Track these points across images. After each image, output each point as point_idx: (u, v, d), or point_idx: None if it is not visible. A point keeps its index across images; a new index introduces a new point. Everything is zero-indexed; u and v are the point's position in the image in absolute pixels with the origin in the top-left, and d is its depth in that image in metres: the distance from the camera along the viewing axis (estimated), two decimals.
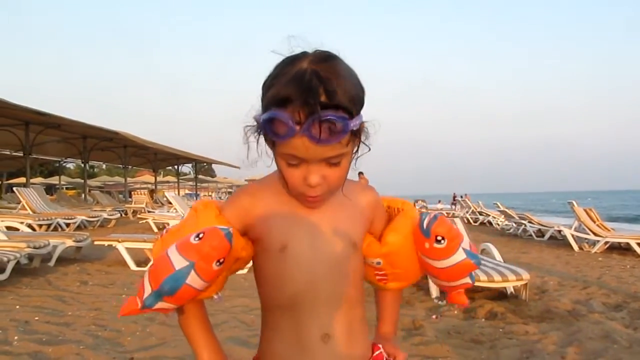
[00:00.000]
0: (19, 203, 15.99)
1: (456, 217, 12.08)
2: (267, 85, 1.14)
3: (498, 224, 19.95)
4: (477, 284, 5.81)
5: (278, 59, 1.17)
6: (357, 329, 1.30)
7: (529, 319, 5.34)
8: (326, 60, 1.13)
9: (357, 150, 1.19)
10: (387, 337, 1.47)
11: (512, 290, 6.33)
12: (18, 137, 20.61)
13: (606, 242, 11.76)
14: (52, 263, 8.11)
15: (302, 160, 1.13)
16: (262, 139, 1.19)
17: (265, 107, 1.12)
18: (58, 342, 4.31)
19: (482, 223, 22.37)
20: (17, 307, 5.48)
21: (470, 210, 24.90)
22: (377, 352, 1.37)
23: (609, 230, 12.45)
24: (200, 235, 1.11)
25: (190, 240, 1.12)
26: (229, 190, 49.76)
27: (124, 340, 4.35)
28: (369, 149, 1.20)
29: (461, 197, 37.11)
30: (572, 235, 12.49)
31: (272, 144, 1.16)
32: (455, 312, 5.63)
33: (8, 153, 26.78)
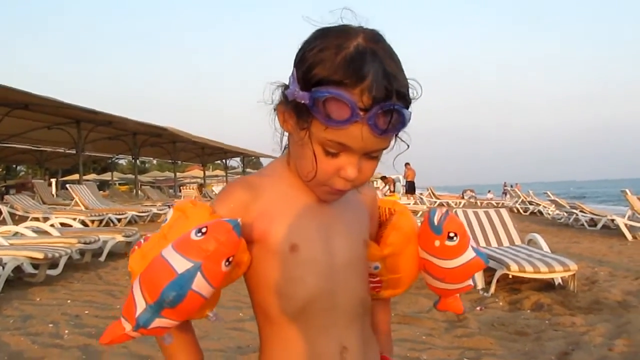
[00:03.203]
0: (72, 199, 16.44)
1: (503, 207, 11.88)
2: (313, 59, 0.96)
3: (549, 214, 19.54)
4: (523, 275, 5.73)
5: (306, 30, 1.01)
6: (369, 342, 1.18)
7: (577, 311, 5.22)
8: (380, 39, 0.99)
9: (394, 145, 1.04)
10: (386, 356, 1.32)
11: (560, 281, 6.19)
12: (71, 135, 21.20)
13: None
14: (102, 258, 8.31)
15: (345, 149, 0.97)
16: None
17: (313, 83, 0.94)
18: None
19: (533, 213, 21.95)
20: (69, 301, 5.65)
21: (520, 200, 24.45)
22: None
23: None
24: (203, 230, 0.93)
25: (190, 236, 0.94)
26: None
27: None
28: (408, 147, 1.05)
29: (511, 186, 36.46)
30: (626, 225, 12.14)
31: (303, 125, 0.99)
32: (501, 303, 5.56)
33: (62, 151, 27.61)
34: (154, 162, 58.83)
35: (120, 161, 52.71)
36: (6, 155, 27.62)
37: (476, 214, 7.60)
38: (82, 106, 16.73)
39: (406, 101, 0.97)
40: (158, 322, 0.96)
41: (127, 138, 25.28)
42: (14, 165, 46.68)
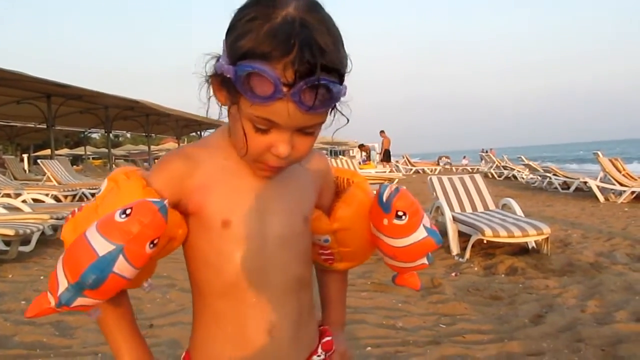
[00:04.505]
0: (44, 175, 16.18)
1: (477, 173, 11.96)
2: (241, 29, 0.91)
3: (523, 178, 19.73)
4: (497, 239, 5.76)
5: None
6: (305, 317, 1.16)
7: (550, 273, 5.29)
8: (315, 9, 0.93)
9: (333, 119, 1.00)
10: (336, 328, 1.33)
11: (533, 244, 6.26)
12: (40, 109, 20.80)
13: (632, 192, 11.56)
14: None
15: (274, 126, 0.93)
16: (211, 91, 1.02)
17: (239, 56, 0.90)
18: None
19: (507, 177, 22.15)
20: (42, 277, 5.57)
21: (495, 165, 24.64)
22: (326, 339, 1.24)
23: (635, 180, 12.15)
24: (128, 212, 0.91)
25: (114, 218, 0.91)
26: None
27: (144, 307, 4.40)
28: (348, 121, 1.01)
29: (486, 152, 36.68)
30: (597, 186, 12.31)
31: (233, 100, 0.96)
32: (476, 269, 5.61)
33: (32, 126, 27.08)
34: (128, 135, 58.20)
35: (94, 135, 52.08)
36: None
37: (451, 180, 7.62)
38: (52, 80, 16.38)
39: (339, 75, 0.93)
40: (80, 301, 0.94)
41: (99, 112, 24.86)
42: None
